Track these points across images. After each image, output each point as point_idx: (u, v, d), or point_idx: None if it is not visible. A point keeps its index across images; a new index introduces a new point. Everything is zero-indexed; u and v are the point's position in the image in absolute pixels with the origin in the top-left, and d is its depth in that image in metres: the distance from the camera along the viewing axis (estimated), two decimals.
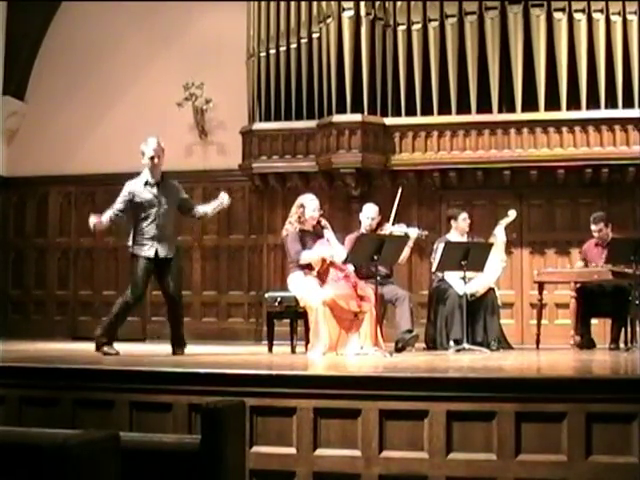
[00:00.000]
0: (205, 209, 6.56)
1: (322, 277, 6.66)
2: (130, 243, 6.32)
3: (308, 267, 6.72)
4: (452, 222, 8.07)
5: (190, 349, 6.50)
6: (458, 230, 7.97)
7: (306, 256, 6.70)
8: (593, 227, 8.01)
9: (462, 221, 7.96)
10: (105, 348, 6.13)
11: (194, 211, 6.56)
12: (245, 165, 10.07)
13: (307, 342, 6.72)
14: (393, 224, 7.39)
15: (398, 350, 6.94)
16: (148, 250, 6.24)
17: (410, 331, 7.13)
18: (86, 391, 4.43)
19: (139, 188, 6.28)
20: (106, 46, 10.92)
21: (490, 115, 9.35)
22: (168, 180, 6.43)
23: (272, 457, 4.09)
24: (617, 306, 7.72)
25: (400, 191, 7.37)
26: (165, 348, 6.54)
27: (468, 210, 8.49)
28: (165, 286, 6.38)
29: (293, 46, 9.92)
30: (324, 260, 6.69)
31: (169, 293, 6.37)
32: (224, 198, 6.48)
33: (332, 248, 6.73)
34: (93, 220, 6.23)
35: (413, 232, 7.35)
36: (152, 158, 6.25)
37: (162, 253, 6.28)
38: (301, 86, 9.86)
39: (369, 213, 7.55)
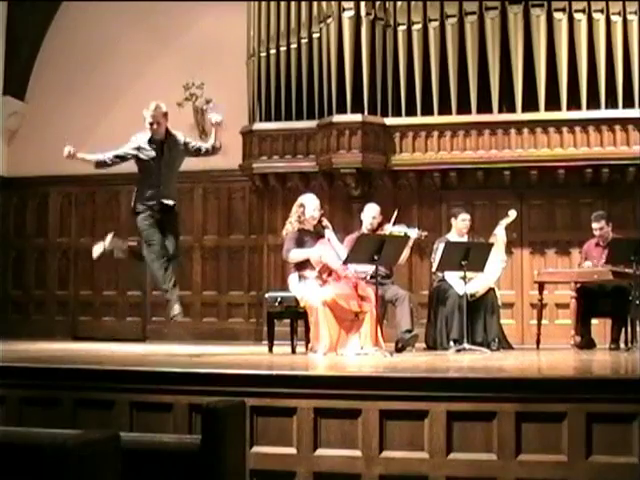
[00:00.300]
0: (210, 143, 6.43)
1: (324, 277, 6.65)
2: (133, 202, 6.31)
3: (307, 268, 6.71)
4: (452, 221, 8.07)
5: (190, 349, 6.48)
6: (456, 230, 7.97)
7: (294, 255, 6.70)
8: (594, 225, 8.00)
9: (460, 222, 7.94)
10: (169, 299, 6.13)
11: (201, 151, 6.47)
12: (245, 165, 10.06)
13: (307, 342, 6.72)
14: (394, 224, 7.38)
15: (398, 350, 6.94)
16: (151, 201, 6.22)
17: (410, 331, 7.13)
18: (86, 391, 4.42)
19: (144, 145, 6.30)
20: (106, 46, 10.92)
21: (490, 115, 9.35)
22: (172, 135, 6.39)
23: (272, 457, 4.09)
24: (617, 306, 7.71)
25: (396, 214, 7.35)
26: (165, 348, 6.53)
27: (468, 210, 8.48)
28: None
29: (293, 46, 9.92)
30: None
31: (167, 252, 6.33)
32: (213, 118, 6.35)
33: (323, 248, 6.72)
34: (69, 148, 6.08)
35: (413, 233, 7.34)
36: (151, 124, 6.28)
37: (165, 199, 6.27)
38: (301, 86, 9.85)
39: (371, 213, 7.55)
